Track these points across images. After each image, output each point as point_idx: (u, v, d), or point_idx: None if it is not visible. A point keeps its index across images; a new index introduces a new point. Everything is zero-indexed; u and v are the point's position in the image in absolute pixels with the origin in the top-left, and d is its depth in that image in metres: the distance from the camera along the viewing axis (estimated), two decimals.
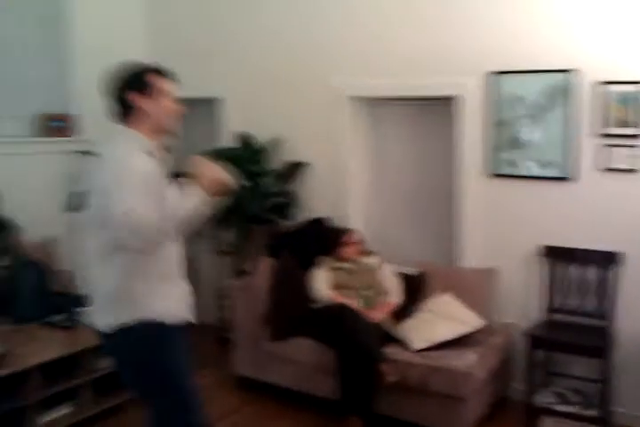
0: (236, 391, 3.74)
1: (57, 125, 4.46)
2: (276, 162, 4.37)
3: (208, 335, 4.49)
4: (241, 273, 4.24)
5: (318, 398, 3.45)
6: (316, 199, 4.31)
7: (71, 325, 3.43)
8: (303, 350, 3.45)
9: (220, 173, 2.14)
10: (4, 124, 4.24)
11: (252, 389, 3.72)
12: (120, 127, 2.18)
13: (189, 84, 4.60)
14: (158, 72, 2.21)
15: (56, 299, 3.70)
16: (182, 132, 5.14)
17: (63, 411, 3.17)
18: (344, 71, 4.08)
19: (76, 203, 4.09)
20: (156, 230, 1.96)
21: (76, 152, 4.28)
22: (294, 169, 4.34)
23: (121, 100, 2.16)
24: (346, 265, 3.72)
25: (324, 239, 3.90)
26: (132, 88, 2.14)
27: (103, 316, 2.15)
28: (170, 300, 2.18)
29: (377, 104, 4.17)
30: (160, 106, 2.17)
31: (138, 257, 2.06)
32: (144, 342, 2.14)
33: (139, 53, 4.87)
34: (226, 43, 4.59)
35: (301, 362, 3.46)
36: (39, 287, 3.72)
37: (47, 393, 3.05)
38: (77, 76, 4.50)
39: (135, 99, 2.14)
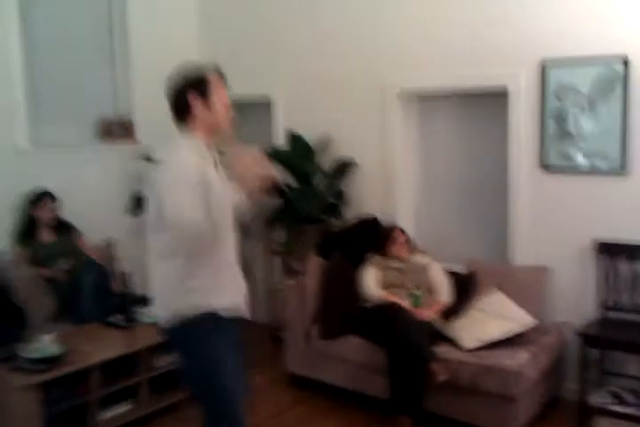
0: (288, 389, 3.81)
1: (117, 131, 4.63)
2: (327, 161, 4.41)
3: (261, 334, 4.58)
4: (292, 272, 4.30)
5: (369, 397, 3.48)
6: (366, 198, 4.33)
7: (130, 324, 3.56)
8: (353, 348, 3.48)
9: (258, 167, 2.19)
10: (69, 130, 4.45)
11: (305, 387, 3.78)
12: (176, 131, 2.25)
13: (243, 85, 4.74)
14: (217, 73, 2.26)
15: (115, 299, 3.84)
16: (236, 132, 5.26)
17: (122, 408, 3.28)
18: (394, 67, 4.08)
19: (135, 206, 4.26)
20: (204, 233, 2.02)
21: (136, 156, 4.44)
22: (344, 168, 4.37)
23: (180, 100, 2.21)
24: (395, 264, 3.73)
25: (374, 238, 3.92)
26: (191, 88, 2.19)
27: (163, 312, 2.23)
28: (226, 294, 2.23)
29: (427, 100, 4.15)
30: (217, 106, 2.21)
31: (195, 255, 2.13)
32: (198, 333, 2.19)
33: (194, 57, 5.01)
34: (279, 44, 4.66)
35: (352, 361, 3.49)
36: (100, 288, 3.88)
37: (107, 391, 3.17)
38: (137, 82, 4.66)
39: (194, 99, 2.19)
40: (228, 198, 2.17)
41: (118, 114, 4.68)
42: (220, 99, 2.23)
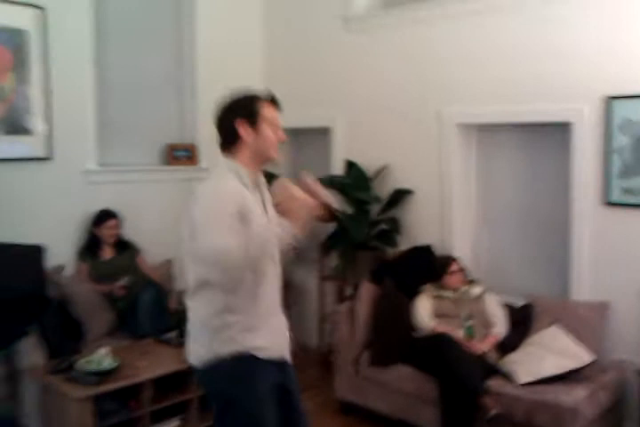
0: (337, 416, 3.77)
1: (182, 155, 4.79)
2: (382, 189, 4.43)
3: (312, 359, 4.58)
4: (345, 298, 4.30)
5: None
6: (421, 227, 4.31)
7: (183, 342, 3.61)
8: (404, 377, 3.43)
9: (308, 196, 2.08)
10: (136, 154, 4.63)
11: (354, 414, 3.74)
12: (221, 159, 2.16)
13: (302, 114, 4.87)
14: (267, 100, 2.16)
15: (170, 317, 3.92)
16: (294, 160, 5.38)
17: (171, 425, 3.32)
18: (453, 99, 4.09)
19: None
20: (237, 263, 1.90)
21: (197, 180, 4.57)
22: (400, 196, 4.37)
23: (227, 127, 2.13)
24: (449, 294, 3.68)
25: (428, 267, 3.89)
26: (238, 116, 2.11)
27: (196, 349, 2.11)
28: (264, 332, 2.10)
29: (486, 130, 4.13)
30: (265, 135, 2.12)
31: (230, 287, 2.00)
32: (234, 378, 2.06)
33: (256, 85, 5.15)
34: (337, 73, 4.75)
35: (401, 390, 3.44)
36: (156, 306, 3.96)
37: (157, 406, 3.22)
38: (199, 107, 4.82)
39: (241, 127, 2.10)
40: (271, 230, 2.04)
41: (183, 140, 4.85)
42: (270, 125, 2.13)
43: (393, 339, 3.58)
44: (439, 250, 4.08)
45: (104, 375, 2.98)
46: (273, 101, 2.18)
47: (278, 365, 2.17)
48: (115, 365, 3.03)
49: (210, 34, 4.86)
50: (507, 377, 3.21)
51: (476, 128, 4.15)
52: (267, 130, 2.12)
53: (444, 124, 4.14)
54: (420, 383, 3.34)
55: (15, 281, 3.62)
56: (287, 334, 2.26)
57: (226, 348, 2.04)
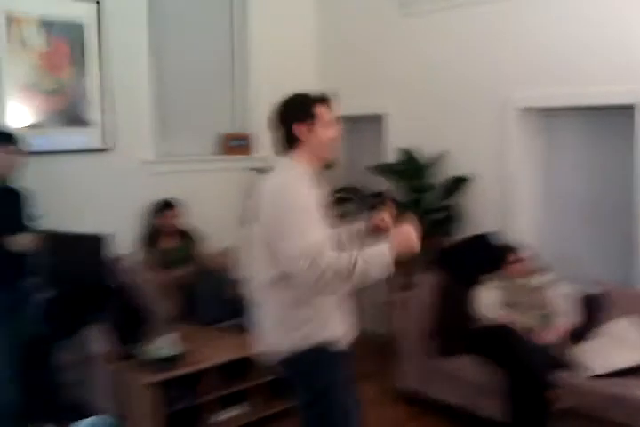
0: (399, 405, 3.73)
1: (237, 144, 4.80)
2: (440, 176, 4.35)
3: (374, 346, 4.54)
4: (404, 286, 4.24)
5: (482, 418, 3.34)
6: (482, 214, 4.22)
7: (244, 331, 3.62)
8: (470, 368, 3.37)
9: (413, 241, 2.08)
10: (191, 144, 4.66)
11: (416, 403, 3.69)
12: (283, 159, 2.19)
13: (356, 101, 4.81)
14: (323, 101, 2.18)
15: (229, 306, 3.93)
16: (348, 147, 5.32)
17: (236, 411, 3.33)
18: (514, 83, 3.98)
19: (246, 218, 4.38)
20: (331, 260, 1.91)
21: (252, 169, 4.57)
22: (459, 183, 4.28)
23: (284, 130, 2.17)
24: (514, 283, 3.59)
25: (491, 255, 3.80)
26: (296, 118, 2.14)
27: (273, 340, 2.14)
28: (336, 326, 2.15)
29: (549, 115, 4.00)
30: (321, 136, 2.15)
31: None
32: (314, 371, 2.11)
33: (309, 73, 5.13)
34: (391, 58, 4.68)
35: (468, 380, 3.38)
36: (216, 294, 3.98)
37: (222, 393, 3.23)
38: (253, 96, 4.81)
39: (297, 129, 2.13)
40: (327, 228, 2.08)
41: (238, 129, 4.85)
42: (327, 128, 2.16)
43: (458, 329, 3.51)
44: (501, 238, 3.98)
45: (172, 361, 3.01)
46: (328, 102, 2.20)
47: (346, 356, 2.21)
48: (182, 351, 3.05)
49: (262, 22, 4.84)
50: (575, 369, 3.11)
51: (539, 112, 4.02)
52: (323, 131, 2.15)
53: (505, 108, 4.03)
54: (486, 374, 3.27)
55: (79, 271, 3.69)
56: (352, 319, 2.27)
57: (304, 341, 2.08)
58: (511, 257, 3.64)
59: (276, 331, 2.13)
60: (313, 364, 2.10)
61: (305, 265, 1.91)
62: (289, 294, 2.07)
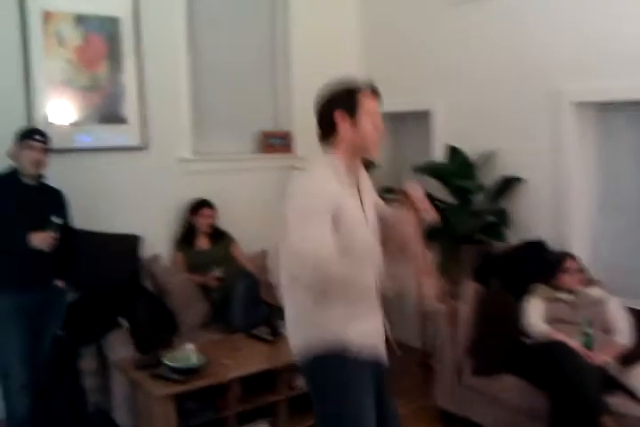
0: (435, 425, 3.50)
1: (276, 142, 4.65)
2: (488, 177, 4.07)
3: (413, 360, 4.33)
4: (447, 296, 3.99)
5: None
6: (533, 219, 3.92)
7: (274, 338, 3.47)
8: (510, 389, 3.10)
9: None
10: (230, 143, 4.54)
11: (453, 424, 3.45)
12: (320, 151, 2.11)
13: (401, 97, 4.58)
14: (368, 90, 2.07)
15: (263, 311, 3.79)
16: (393, 146, 5.09)
17: (259, 426, 3.18)
18: (569, 75, 3.65)
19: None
20: (321, 264, 1.86)
21: (291, 167, 4.42)
22: (508, 185, 3.99)
23: (326, 119, 2.07)
24: (565, 296, 3.30)
25: (541, 265, 3.52)
26: (338, 107, 2.04)
27: (294, 343, 2.11)
28: (357, 332, 2.05)
29: (606, 110, 3.66)
30: (364, 128, 2.04)
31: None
32: (325, 375, 2.04)
33: (352, 69, 4.91)
34: (438, 52, 4.42)
35: (507, 402, 3.11)
36: (250, 298, 3.84)
37: (245, 407, 3.09)
38: (294, 94, 4.65)
39: (340, 119, 2.04)
40: (364, 226, 2.04)
41: (278, 127, 4.69)
42: (370, 118, 2.04)
43: (499, 345, 3.25)
44: (553, 245, 3.68)
45: (189, 373, 2.87)
46: (373, 92, 2.09)
47: (373, 365, 2.11)
48: (200, 362, 2.92)
49: (304, 17, 4.66)
50: (631, 393, 2.82)
51: (596, 107, 3.68)
52: (366, 123, 2.05)
53: (560, 103, 3.70)
54: (530, 396, 3.00)
55: (111, 270, 3.64)
56: (383, 335, 2.19)
57: (316, 343, 2.02)
58: (563, 266, 3.36)
59: (292, 332, 2.11)
60: (325, 369, 2.03)
61: (299, 264, 1.89)
62: (302, 295, 2.01)
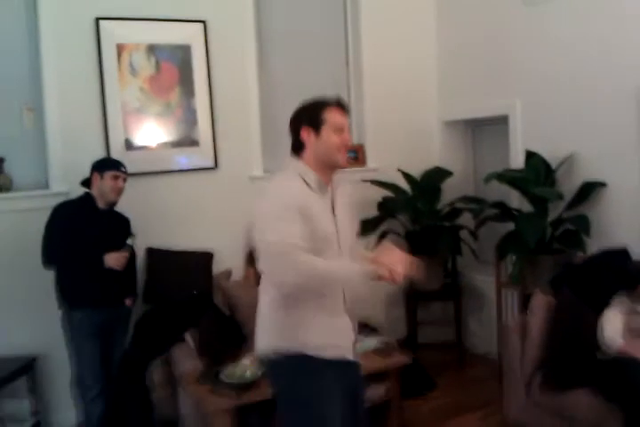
0: None
1: (349, 156, 4.65)
2: (569, 182, 3.87)
3: (490, 372, 4.17)
4: (524, 308, 3.81)
5: None
6: (616, 226, 3.68)
7: None
8: (583, 406, 2.89)
9: (398, 264, 1.96)
10: None
11: None
12: (289, 161, 2.19)
13: (478, 103, 4.47)
14: (335, 105, 2.15)
15: None
16: (471, 153, 4.95)
17: None
18: None
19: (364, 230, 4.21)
20: (291, 268, 1.90)
21: (364, 181, 4.42)
22: (589, 190, 3.77)
23: (294, 133, 2.17)
24: None
25: (622, 275, 3.28)
26: (303, 122, 2.13)
27: (258, 341, 2.16)
28: (324, 334, 2.10)
29: None
30: (327, 140, 2.11)
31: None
32: (290, 377, 2.07)
33: (428, 77, 4.86)
34: (514, 53, 4.28)
35: (580, 420, 2.91)
36: None
37: None
38: (369, 105, 4.66)
39: (304, 133, 2.13)
40: (333, 234, 2.08)
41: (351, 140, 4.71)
42: (335, 133, 2.11)
43: (571, 359, 3.05)
44: (636, 255, 3.41)
45: (246, 387, 2.92)
46: (340, 106, 2.17)
47: (342, 365, 2.14)
48: (254, 377, 2.96)
49: (376, 28, 4.67)
50: None
51: None
52: (330, 135, 2.12)
53: None
54: (603, 414, 2.79)
55: (185, 285, 3.79)
56: (352, 335, 2.21)
57: (281, 345, 2.06)
58: None
59: (260, 332, 2.15)
60: (292, 370, 2.06)
61: (272, 262, 1.93)
62: (272, 296, 2.08)
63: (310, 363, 2.05)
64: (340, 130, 2.13)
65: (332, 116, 2.12)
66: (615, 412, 2.73)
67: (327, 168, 2.16)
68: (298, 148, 2.17)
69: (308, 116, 2.13)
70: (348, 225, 2.21)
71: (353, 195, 2.35)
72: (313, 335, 2.07)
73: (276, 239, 1.92)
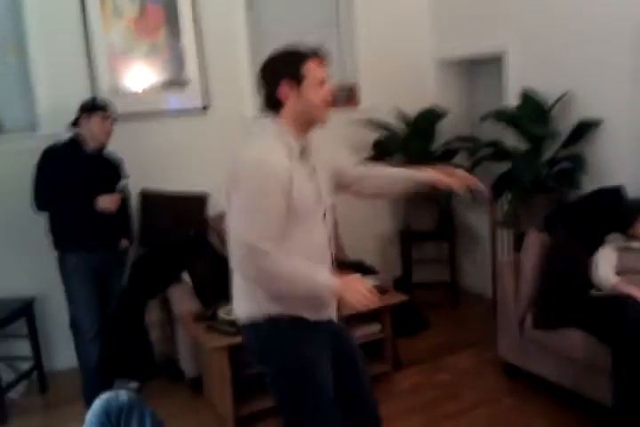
0: (498, 378, 3.41)
1: (342, 96, 4.57)
2: (565, 121, 3.81)
3: (484, 311, 4.24)
4: (518, 247, 3.83)
5: (588, 400, 2.95)
6: (611, 165, 3.65)
7: None
8: (573, 343, 2.95)
9: (359, 294, 1.79)
10: None
11: (516, 377, 3.36)
12: (265, 121, 1.96)
13: (473, 42, 4.35)
14: (315, 57, 1.92)
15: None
16: (466, 93, 4.86)
17: None
18: None
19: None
20: (255, 270, 1.81)
21: (359, 121, 4.36)
22: (584, 129, 3.72)
23: (269, 87, 1.92)
24: (639, 245, 3.07)
25: (616, 213, 3.29)
26: (282, 76, 1.89)
27: (237, 308, 2.03)
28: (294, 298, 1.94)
29: None
30: (309, 96, 1.89)
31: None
32: (273, 340, 1.95)
33: (420, 12, 4.72)
34: None
35: (571, 357, 2.97)
36: None
37: None
38: (361, 41, 4.55)
39: (284, 87, 1.89)
40: (316, 203, 1.93)
41: (343, 80, 4.61)
42: (317, 87, 1.90)
43: (563, 298, 3.09)
44: (633, 192, 3.41)
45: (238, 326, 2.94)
46: (321, 58, 1.94)
47: (327, 327, 2.03)
48: None
49: None
50: None
51: None
52: (312, 91, 1.90)
53: None
54: (595, 351, 2.84)
55: (180, 228, 3.79)
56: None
57: (259, 309, 1.93)
58: None
59: (236, 296, 2.02)
60: (271, 336, 1.94)
61: (239, 258, 1.84)
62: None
63: (294, 329, 1.94)
64: (322, 83, 1.91)
65: (312, 70, 1.90)
66: (606, 348, 2.76)
67: (307, 125, 1.95)
68: (274, 104, 1.93)
69: (287, 71, 1.89)
70: (327, 184, 2.03)
71: (327, 151, 2.11)
72: (294, 299, 1.93)
73: (249, 238, 1.79)
